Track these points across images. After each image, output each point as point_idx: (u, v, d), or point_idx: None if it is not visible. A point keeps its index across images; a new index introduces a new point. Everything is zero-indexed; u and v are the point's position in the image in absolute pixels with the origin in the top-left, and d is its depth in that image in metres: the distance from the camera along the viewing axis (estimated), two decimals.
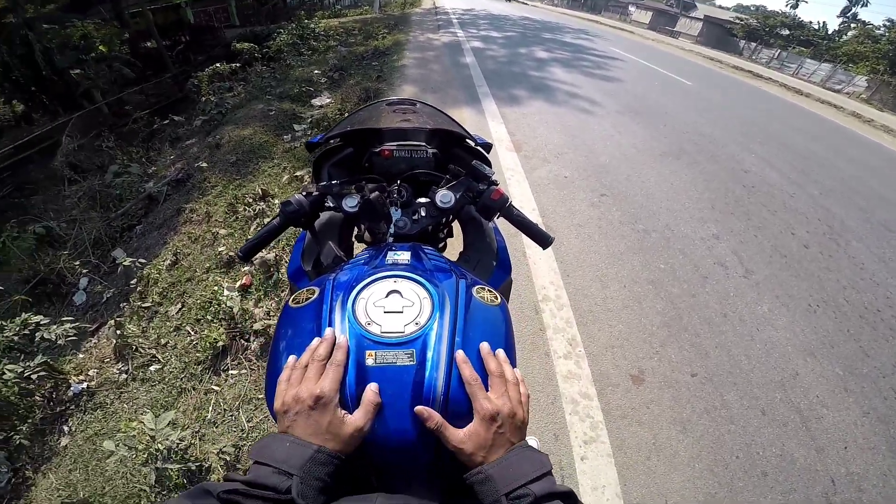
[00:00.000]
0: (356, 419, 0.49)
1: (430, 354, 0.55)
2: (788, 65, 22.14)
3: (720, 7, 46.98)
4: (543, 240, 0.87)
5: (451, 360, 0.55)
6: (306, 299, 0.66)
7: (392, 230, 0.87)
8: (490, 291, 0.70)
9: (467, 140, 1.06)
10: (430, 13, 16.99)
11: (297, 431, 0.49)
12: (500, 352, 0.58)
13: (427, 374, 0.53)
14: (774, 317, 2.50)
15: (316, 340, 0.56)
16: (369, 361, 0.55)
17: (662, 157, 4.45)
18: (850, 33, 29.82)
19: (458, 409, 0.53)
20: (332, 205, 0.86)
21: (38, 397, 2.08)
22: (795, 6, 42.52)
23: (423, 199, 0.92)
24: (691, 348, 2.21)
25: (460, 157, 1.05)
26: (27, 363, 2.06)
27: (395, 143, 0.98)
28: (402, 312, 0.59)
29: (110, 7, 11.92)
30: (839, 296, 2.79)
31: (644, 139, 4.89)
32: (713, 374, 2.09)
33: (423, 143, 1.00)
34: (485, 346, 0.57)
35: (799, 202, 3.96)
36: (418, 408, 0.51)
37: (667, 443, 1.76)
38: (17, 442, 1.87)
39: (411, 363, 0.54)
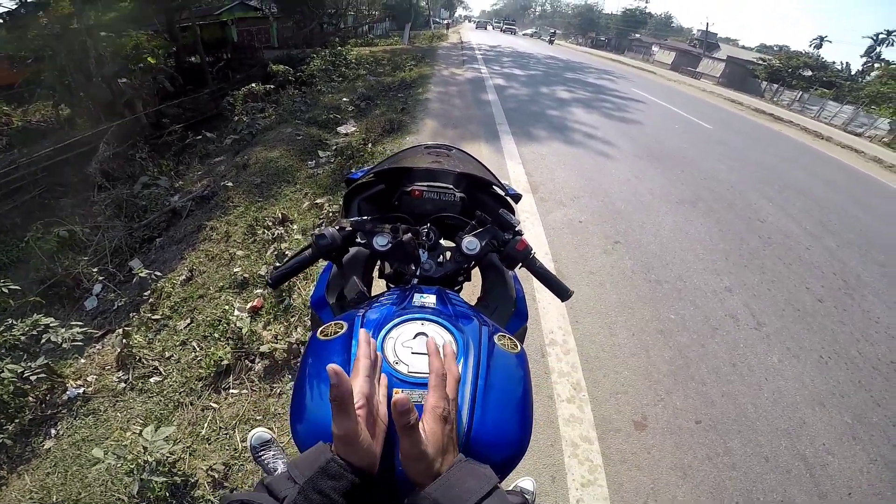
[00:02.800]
0: (339, 422, 0.43)
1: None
2: (810, 107, 21.91)
3: (743, 48, 47.40)
4: (563, 292, 0.88)
5: (474, 403, 0.57)
6: (334, 333, 0.68)
7: (418, 272, 0.88)
8: (510, 339, 0.72)
9: (495, 187, 1.08)
10: (456, 48, 17.66)
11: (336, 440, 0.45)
12: (448, 347, 0.56)
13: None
14: (784, 367, 2.47)
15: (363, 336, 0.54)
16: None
17: (679, 204, 4.45)
18: (873, 74, 29.41)
19: (480, 451, 0.54)
20: (362, 241, 0.88)
21: (31, 398, 2.08)
22: (819, 46, 42.70)
23: (448, 243, 0.95)
24: (697, 396, 2.18)
25: (487, 203, 1.07)
26: (28, 364, 2.09)
27: (425, 185, 1.01)
28: (427, 354, 0.61)
29: (164, 20, 12.59)
30: (852, 348, 2.75)
31: (661, 185, 4.90)
32: (718, 421, 2.06)
33: (452, 187, 1.03)
34: (431, 344, 0.54)
35: (815, 255, 3.90)
36: (397, 397, 0.42)
37: (665, 488, 1.74)
38: (0, 441, 1.87)
39: None
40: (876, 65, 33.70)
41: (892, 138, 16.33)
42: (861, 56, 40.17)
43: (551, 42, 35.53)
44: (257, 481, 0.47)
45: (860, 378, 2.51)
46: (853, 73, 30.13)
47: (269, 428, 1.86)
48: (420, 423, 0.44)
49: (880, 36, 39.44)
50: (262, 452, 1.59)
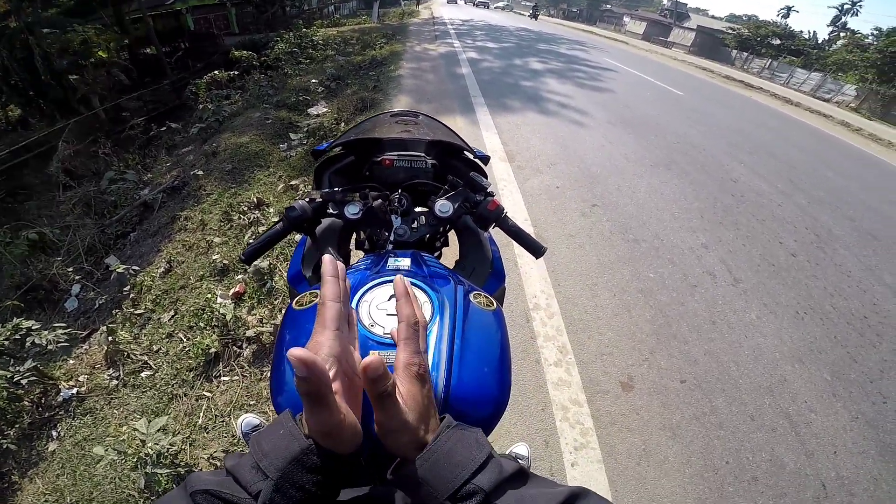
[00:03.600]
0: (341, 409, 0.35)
1: (430, 355, 0.57)
2: (779, 74, 22.47)
3: (713, 17, 47.71)
4: (536, 249, 0.91)
5: (451, 361, 0.58)
6: (309, 302, 0.68)
7: (392, 237, 0.89)
8: (486, 297, 0.74)
9: (465, 152, 1.09)
10: (428, 23, 17.19)
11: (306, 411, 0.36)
12: (413, 292, 0.46)
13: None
14: (762, 324, 2.55)
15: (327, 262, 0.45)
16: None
17: (653, 167, 4.53)
18: (839, 42, 30.13)
19: (459, 410, 0.55)
20: (334, 212, 0.88)
21: (26, 402, 2.07)
22: (787, 16, 43.45)
23: (421, 208, 0.96)
24: (680, 355, 2.24)
25: (458, 168, 1.08)
26: (17, 368, 2.06)
27: (395, 153, 1.01)
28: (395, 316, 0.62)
29: (112, 13, 11.93)
30: (826, 303, 2.84)
31: (635, 150, 4.97)
32: (702, 380, 2.11)
33: (423, 154, 1.03)
34: (399, 285, 0.45)
35: (787, 211, 4.03)
36: (367, 360, 0.34)
37: (656, 449, 1.78)
38: (4, 447, 1.87)
39: None
40: (842, 34, 34.37)
41: (859, 104, 16.90)
42: (827, 25, 41.02)
43: (535, 17, 31.13)
44: (224, 460, 0.42)
45: (836, 333, 2.59)
46: (820, 41, 30.75)
47: (262, 413, 1.88)
48: (396, 389, 0.37)
49: (845, 6, 40.16)
50: None
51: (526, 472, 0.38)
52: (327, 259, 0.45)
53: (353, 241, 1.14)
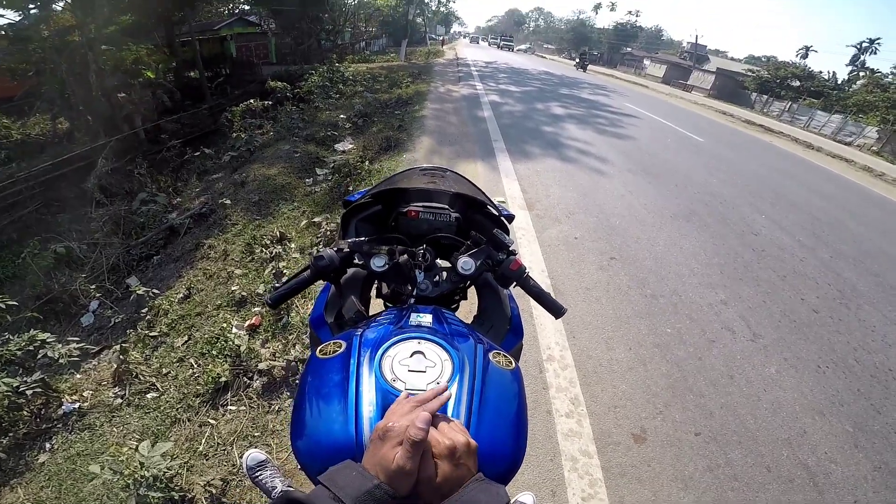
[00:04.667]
0: (399, 457, 0.45)
1: (450, 413, 0.59)
2: (799, 117, 22.19)
3: (732, 59, 48.23)
4: (556, 310, 0.90)
5: (470, 419, 0.59)
6: (333, 352, 0.70)
7: (415, 292, 0.90)
8: (505, 356, 0.74)
9: (489, 207, 1.11)
10: (452, 64, 17.95)
11: (366, 462, 0.48)
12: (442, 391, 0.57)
13: None
14: (782, 378, 2.48)
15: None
16: None
17: (673, 218, 4.51)
18: (858, 82, 29.59)
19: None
20: (359, 262, 0.90)
21: (25, 412, 2.08)
22: (805, 56, 43.35)
23: (444, 263, 0.97)
24: (696, 409, 2.18)
25: (481, 223, 1.10)
26: (24, 378, 2.09)
27: (420, 205, 1.04)
28: (425, 372, 0.63)
29: (164, 34, 12.68)
30: (849, 357, 2.77)
31: (655, 200, 4.96)
32: (717, 433, 2.06)
33: (447, 207, 1.06)
34: (431, 392, 0.56)
35: (809, 266, 3.94)
36: (418, 419, 0.47)
37: (667, 500, 1.73)
38: None
39: None
40: (861, 73, 34.00)
41: (881, 146, 16.58)
42: (846, 65, 40.74)
43: (584, 68, 27.38)
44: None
45: (859, 386, 2.52)
46: (839, 81, 30.26)
47: (266, 445, 1.86)
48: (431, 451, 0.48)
49: (863, 44, 40.25)
50: (259, 472, 1.59)
51: None
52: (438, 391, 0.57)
53: (374, 290, 1.15)
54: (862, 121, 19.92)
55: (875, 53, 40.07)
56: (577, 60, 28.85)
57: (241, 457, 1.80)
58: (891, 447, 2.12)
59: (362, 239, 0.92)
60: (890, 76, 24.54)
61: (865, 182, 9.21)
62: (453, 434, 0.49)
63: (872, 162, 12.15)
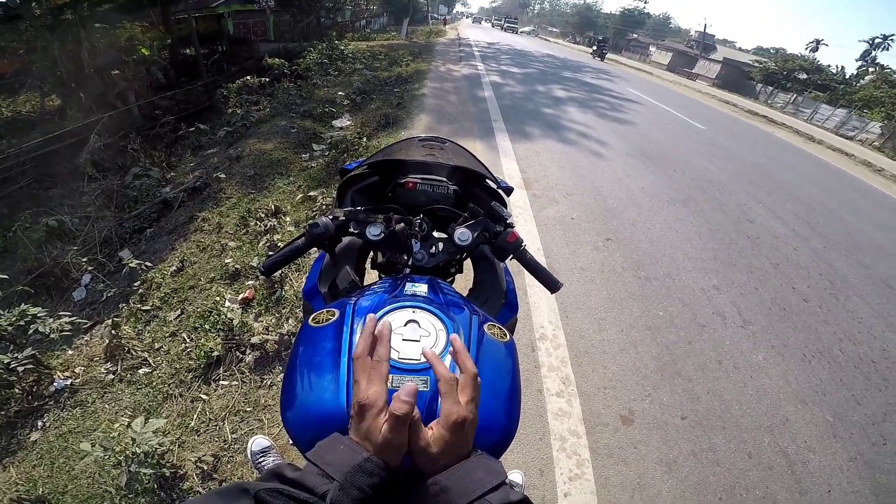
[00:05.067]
0: (385, 431, 0.45)
1: None
2: (803, 110, 22.01)
3: (740, 49, 47.45)
4: (552, 285, 0.89)
5: None
6: (326, 320, 0.69)
7: (410, 262, 0.89)
8: (500, 329, 0.74)
9: (488, 181, 1.09)
10: (454, 44, 17.59)
11: (353, 434, 0.47)
12: (457, 341, 0.55)
13: (440, 400, 0.56)
14: (769, 365, 2.52)
15: (370, 322, 0.54)
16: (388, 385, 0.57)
17: (670, 203, 4.49)
18: (867, 78, 29.13)
19: None
20: (355, 231, 0.88)
21: (17, 390, 2.06)
22: (815, 49, 42.59)
23: (441, 234, 0.95)
24: (683, 392, 2.22)
25: (480, 196, 1.08)
26: (15, 354, 2.06)
27: (418, 176, 1.03)
28: (418, 341, 0.62)
29: (159, 11, 12.38)
30: (835, 347, 2.81)
31: (653, 184, 4.94)
32: (703, 417, 2.10)
33: (445, 179, 1.04)
34: (458, 340, 0.55)
35: (802, 256, 3.96)
36: (397, 394, 0.45)
37: (651, 482, 1.77)
38: None
39: (425, 389, 0.57)
40: (871, 69, 33.52)
41: (883, 142, 16.51)
42: (857, 60, 40.23)
43: (601, 56, 24.69)
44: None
45: (842, 377, 2.56)
46: (848, 76, 29.86)
47: (257, 421, 1.87)
48: (433, 425, 0.48)
49: (876, 40, 39.65)
50: (262, 458, 1.61)
51: (529, 501, 0.46)
52: (371, 318, 0.55)
53: (369, 260, 1.14)
54: (866, 116, 19.73)
55: (887, 49, 39.46)
56: (595, 48, 25.76)
57: (233, 431, 1.81)
58: (867, 438, 2.16)
59: (359, 208, 0.91)
60: None
61: (864, 176, 9.20)
62: (459, 408, 0.48)
63: (873, 157, 12.11)
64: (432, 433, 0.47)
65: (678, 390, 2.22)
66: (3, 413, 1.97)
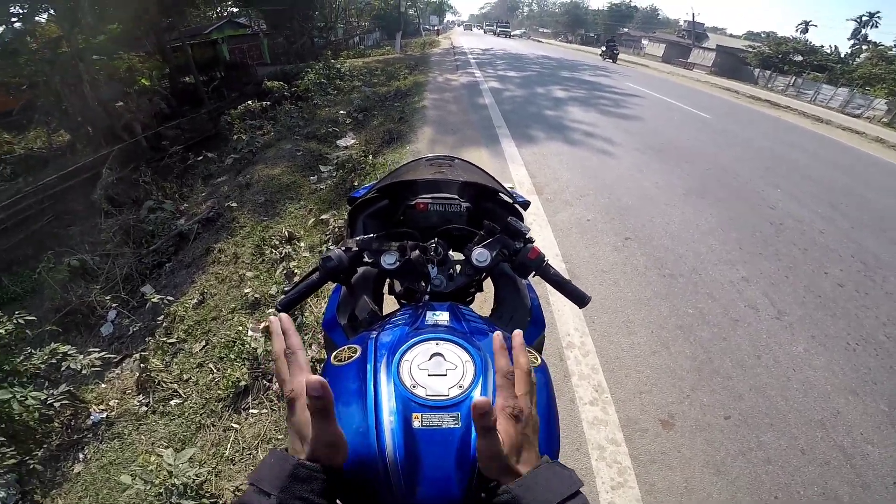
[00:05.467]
0: (314, 425, 0.43)
1: None
2: (805, 91, 21.79)
3: (731, 36, 47.27)
4: (580, 299, 0.85)
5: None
6: (348, 358, 0.67)
7: (429, 289, 0.86)
8: (530, 352, 0.70)
9: (501, 195, 1.06)
10: (449, 53, 17.74)
11: (291, 442, 0.46)
12: (518, 336, 0.54)
13: (473, 436, 0.54)
14: (811, 357, 2.43)
15: (274, 322, 0.53)
16: (416, 424, 0.55)
17: (685, 196, 4.41)
18: (862, 56, 29.00)
19: None
20: (369, 260, 0.86)
21: (56, 424, 2.13)
22: (805, 31, 42.48)
23: (458, 256, 0.93)
24: (724, 391, 2.14)
25: (494, 212, 1.05)
26: (51, 391, 2.13)
27: (429, 196, 1.00)
28: (445, 375, 0.59)
29: (154, 41, 12.63)
30: (879, 332, 2.69)
31: (666, 177, 4.87)
32: (748, 416, 2.02)
33: (457, 197, 1.02)
34: (518, 336, 0.54)
35: (829, 238, 3.85)
36: (477, 399, 0.43)
37: (700, 486, 1.70)
38: (31, 466, 1.91)
39: (457, 426, 0.55)
40: (864, 47, 33.38)
41: (892, 118, 16.26)
42: (848, 39, 39.98)
43: (613, 58, 22.30)
44: None
45: (892, 363, 2.45)
46: (843, 55, 29.73)
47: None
48: (497, 425, 0.45)
49: (863, 18, 39.37)
50: None
51: None
52: (274, 320, 0.54)
53: (386, 286, 1.11)
54: (869, 93, 19.52)
55: (876, 27, 39.22)
56: (604, 49, 23.15)
57: None
58: None
59: (371, 236, 0.88)
60: (894, 49, 23.85)
61: (879, 153, 8.97)
62: (514, 400, 0.48)
63: (884, 133, 11.87)
64: (504, 434, 0.46)
65: (718, 389, 2.15)
66: (46, 447, 2.03)
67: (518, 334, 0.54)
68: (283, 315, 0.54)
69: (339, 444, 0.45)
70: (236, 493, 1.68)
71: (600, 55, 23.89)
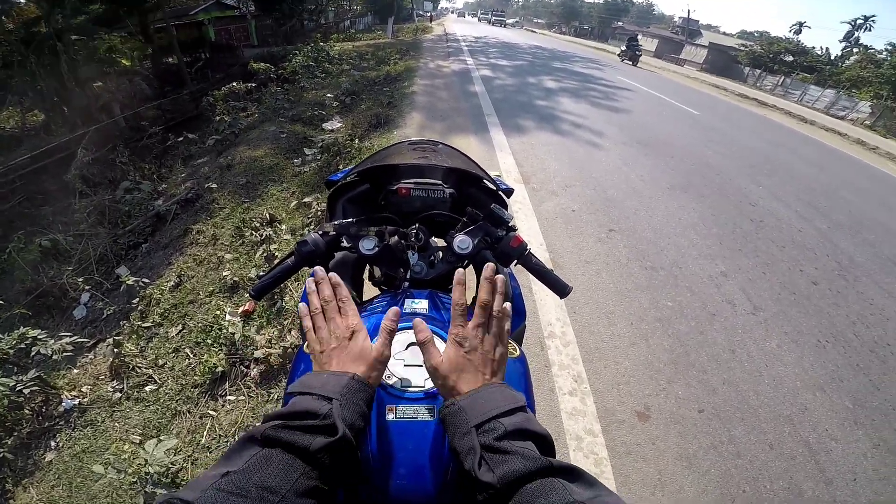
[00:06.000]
0: (378, 345, 0.53)
1: None
2: (793, 91, 22.14)
3: (724, 34, 47.71)
4: (561, 289, 0.84)
5: None
6: None
7: (408, 275, 0.85)
8: (509, 343, 0.69)
9: (486, 182, 1.04)
10: (442, 40, 17.50)
11: (333, 366, 0.51)
12: (500, 279, 0.56)
13: None
14: (783, 353, 2.49)
15: (311, 283, 0.59)
16: (390, 416, 0.55)
17: (670, 190, 4.46)
18: (852, 58, 29.54)
19: None
20: (347, 245, 0.85)
21: (27, 411, 2.07)
22: (799, 32, 42.93)
23: (439, 242, 0.91)
24: (698, 385, 2.19)
25: (478, 198, 1.03)
26: (20, 377, 2.06)
27: (411, 181, 0.98)
28: (421, 366, 0.58)
29: (137, 21, 12.22)
30: (848, 331, 2.78)
31: (651, 171, 4.90)
32: (720, 409, 2.07)
33: (440, 182, 0.99)
34: (489, 268, 0.56)
35: (807, 237, 3.94)
36: (415, 321, 0.54)
37: (672, 478, 1.74)
38: (1, 455, 1.87)
39: (431, 419, 0.55)
40: (855, 49, 33.88)
41: (874, 121, 16.67)
42: (840, 41, 40.50)
43: (634, 61, 19.05)
44: (264, 415, 0.49)
45: (858, 361, 2.53)
46: (833, 57, 30.14)
47: None
48: (433, 344, 0.53)
49: (857, 21, 39.91)
50: None
51: (552, 440, 0.48)
52: (319, 272, 0.61)
53: (366, 273, 1.09)
54: (855, 96, 19.91)
55: (869, 30, 39.68)
56: (624, 49, 20.15)
57: None
58: (889, 424, 2.14)
59: (349, 220, 0.86)
60: (884, 52, 24.15)
61: (859, 155, 9.23)
62: (475, 330, 0.53)
63: (865, 136, 12.18)
64: (444, 353, 0.52)
65: (693, 383, 2.19)
66: (16, 435, 1.98)
67: (500, 279, 0.56)
68: (332, 273, 0.60)
69: (373, 363, 0.52)
70: None
71: (619, 55, 20.94)
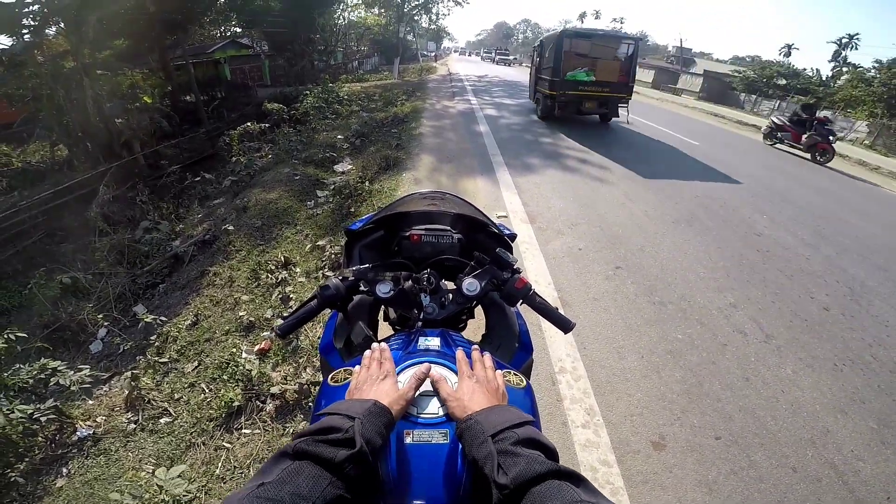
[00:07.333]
0: (405, 387, 0.63)
1: None
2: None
3: (717, 60, 48.72)
4: (564, 325, 0.91)
5: None
6: (344, 379, 0.72)
7: (422, 316, 0.91)
8: (516, 375, 0.77)
9: (490, 227, 1.12)
10: (446, 80, 18.20)
11: (363, 396, 0.61)
12: (487, 357, 0.73)
13: (460, 450, 0.59)
14: (799, 378, 2.47)
15: (368, 354, 0.71)
16: (407, 440, 0.61)
17: (675, 224, 4.52)
18: (843, 78, 29.59)
19: None
20: (365, 289, 0.91)
21: (40, 438, 2.09)
22: (788, 54, 43.84)
23: (449, 285, 0.98)
24: (714, 413, 2.17)
25: (484, 243, 1.11)
26: (38, 405, 2.10)
27: (422, 228, 1.06)
28: (434, 395, 0.66)
29: (158, 58, 12.63)
30: (865, 353, 2.75)
31: (655, 206, 4.99)
32: (738, 436, 2.04)
33: (449, 228, 1.08)
34: (476, 352, 0.72)
35: (815, 264, 3.94)
36: (422, 367, 0.67)
37: None
38: (11, 479, 1.88)
39: (444, 442, 0.61)
40: (844, 69, 34.16)
41: (873, 140, 16.67)
42: (829, 61, 41.27)
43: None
44: (294, 434, 0.55)
45: (878, 382, 2.50)
46: (825, 78, 30.44)
47: None
48: (443, 380, 0.66)
49: (843, 40, 40.77)
50: None
51: (557, 453, 0.54)
52: (376, 347, 0.73)
53: (381, 313, 1.16)
54: (851, 115, 20.04)
55: (856, 49, 40.60)
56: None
57: None
58: None
59: (366, 266, 0.93)
60: (872, 70, 24.45)
61: (862, 175, 9.27)
62: (478, 373, 0.67)
63: (866, 156, 12.25)
64: (458, 384, 0.65)
65: (708, 411, 2.18)
66: (28, 460, 1.99)
67: (487, 357, 0.73)
68: (383, 344, 0.73)
69: (397, 398, 0.60)
70: None
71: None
